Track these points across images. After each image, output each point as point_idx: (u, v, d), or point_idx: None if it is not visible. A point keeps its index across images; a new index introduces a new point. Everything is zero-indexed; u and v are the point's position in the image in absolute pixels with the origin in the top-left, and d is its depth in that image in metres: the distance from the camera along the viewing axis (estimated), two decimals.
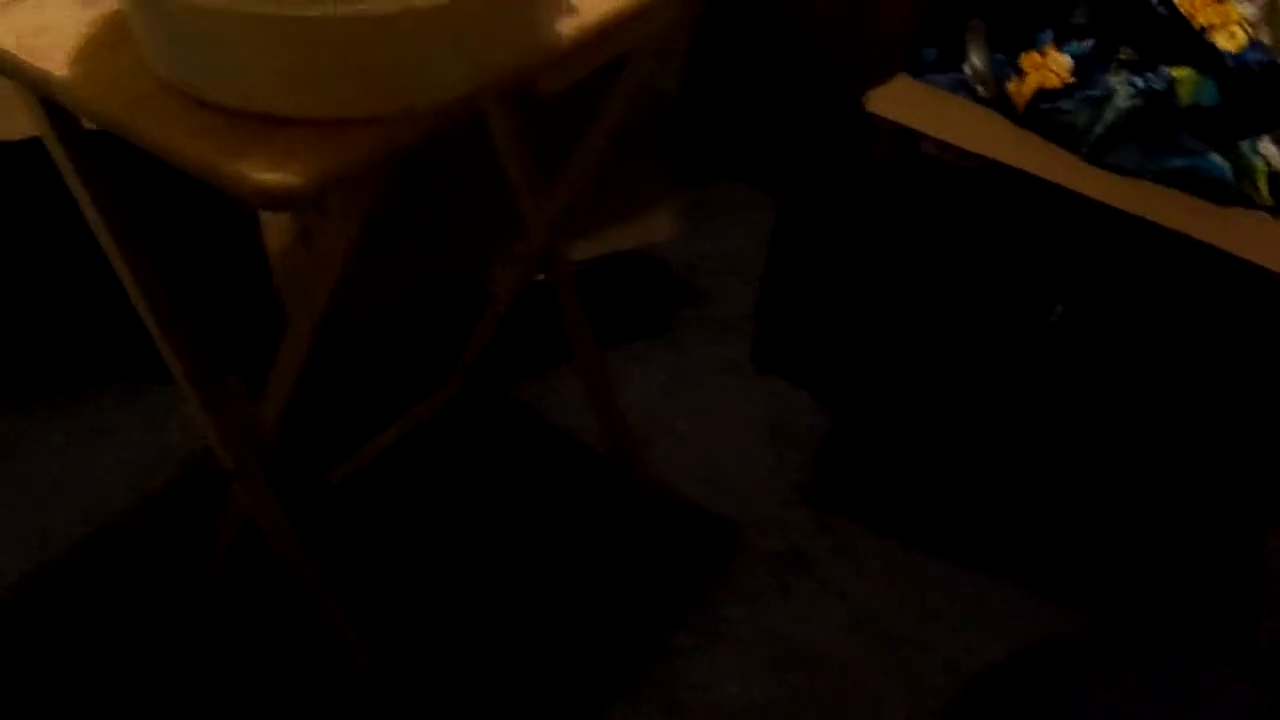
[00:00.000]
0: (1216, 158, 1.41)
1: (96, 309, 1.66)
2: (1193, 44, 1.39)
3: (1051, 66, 1.44)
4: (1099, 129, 1.41)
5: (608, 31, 0.90)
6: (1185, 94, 1.38)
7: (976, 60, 1.53)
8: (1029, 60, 1.47)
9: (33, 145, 1.03)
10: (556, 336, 1.60)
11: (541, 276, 1.53)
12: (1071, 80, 1.43)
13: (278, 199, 0.71)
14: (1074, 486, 1.67)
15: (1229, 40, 1.38)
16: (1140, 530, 1.67)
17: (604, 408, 1.66)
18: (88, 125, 1.01)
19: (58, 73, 0.80)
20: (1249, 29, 1.39)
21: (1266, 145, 1.43)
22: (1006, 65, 1.51)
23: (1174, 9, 1.39)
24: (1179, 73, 1.38)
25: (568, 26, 0.87)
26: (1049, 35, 1.49)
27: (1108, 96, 1.40)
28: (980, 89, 1.54)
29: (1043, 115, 1.45)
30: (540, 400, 1.87)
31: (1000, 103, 1.52)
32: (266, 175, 0.71)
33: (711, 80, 2.30)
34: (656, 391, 1.91)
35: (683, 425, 1.86)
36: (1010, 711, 1.05)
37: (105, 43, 0.82)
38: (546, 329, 1.66)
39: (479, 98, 0.81)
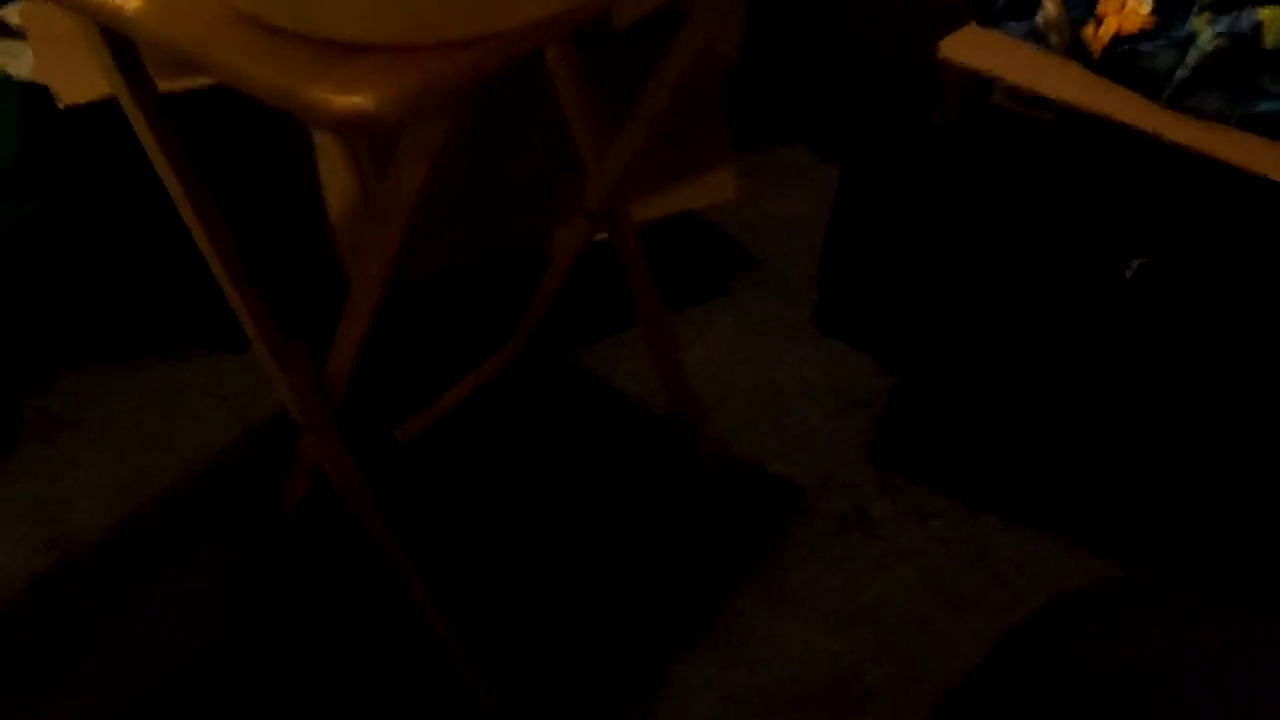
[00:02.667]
0: None
1: (167, 274, 1.68)
2: None
3: (1131, 9, 1.40)
4: (1181, 73, 1.36)
5: None
6: (1272, 35, 1.33)
7: (1050, 6, 1.49)
8: (1106, 4, 1.43)
9: (108, 107, 1.03)
10: (616, 299, 1.59)
11: (603, 236, 1.51)
12: (1152, 23, 1.38)
13: (354, 123, 0.70)
14: (1146, 448, 1.63)
15: None
16: (1216, 492, 1.63)
17: (668, 370, 1.64)
18: (162, 87, 1.01)
19: (130, 5, 0.79)
20: None
21: None
22: (1082, 9, 1.46)
23: None
24: (1266, 13, 1.33)
25: None
26: None
27: (1190, 39, 1.36)
28: (1053, 36, 1.50)
29: (1121, 60, 1.41)
30: (601, 362, 1.86)
31: (1075, 50, 1.48)
32: (342, 99, 0.70)
33: (772, 42, 2.28)
34: (718, 354, 1.90)
35: (745, 388, 1.85)
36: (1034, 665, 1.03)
37: None
38: (606, 291, 1.64)
39: (554, 25, 0.79)
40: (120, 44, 0.94)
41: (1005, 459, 1.71)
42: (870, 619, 1.52)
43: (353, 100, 0.70)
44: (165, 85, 1.03)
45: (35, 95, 1.56)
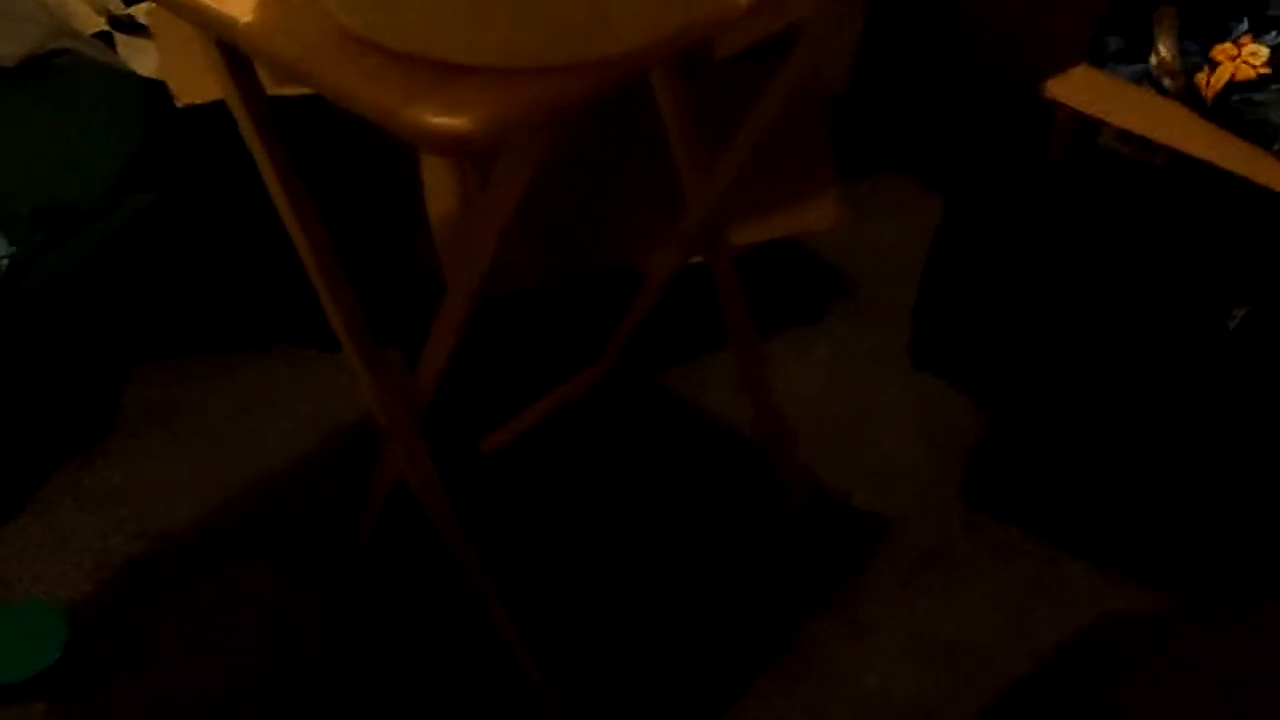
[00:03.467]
0: None
1: (267, 272, 1.72)
2: None
3: (1246, 58, 1.37)
4: None
5: None
6: None
7: (1164, 50, 1.46)
8: (1221, 51, 1.40)
9: (223, 108, 1.07)
10: (707, 321, 1.59)
11: (698, 259, 1.52)
12: (1267, 72, 1.35)
13: (450, 143, 0.72)
14: (1240, 502, 1.58)
15: None
16: None
17: (757, 394, 1.64)
18: (272, 91, 1.05)
19: (242, 19, 0.82)
20: None
21: None
22: (1196, 56, 1.44)
23: None
24: None
25: None
26: (1245, 25, 1.42)
27: None
28: (1166, 81, 1.48)
29: (1233, 109, 1.38)
30: (691, 384, 1.86)
31: (1187, 95, 1.45)
32: (440, 119, 0.72)
33: (881, 72, 2.27)
34: (809, 382, 1.89)
35: (835, 417, 1.84)
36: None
37: None
38: (697, 313, 1.65)
39: (655, 53, 0.80)
40: (233, 53, 0.98)
41: (1095, 504, 1.67)
42: (948, 656, 1.50)
43: (451, 122, 0.72)
44: (276, 89, 1.06)
45: (157, 92, 1.62)
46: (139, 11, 1.76)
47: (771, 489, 1.70)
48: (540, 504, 1.68)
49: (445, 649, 1.48)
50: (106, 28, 1.76)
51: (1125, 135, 1.48)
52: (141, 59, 1.73)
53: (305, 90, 1.46)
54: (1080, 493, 1.69)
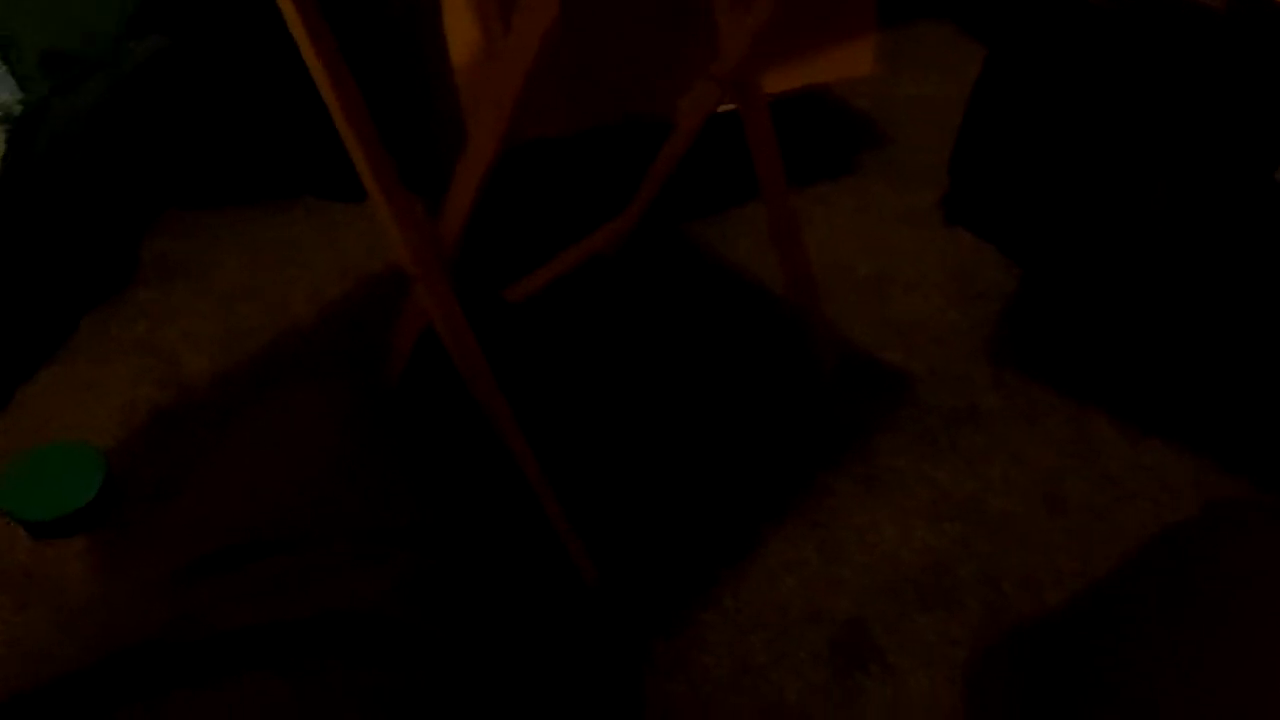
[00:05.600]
0: None
1: (288, 121, 1.70)
2: None
3: None
4: None
5: None
6: None
7: None
8: None
9: None
10: (739, 172, 1.56)
11: (729, 107, 1.48)
12: None
13: None
14: (1274, 362, 1.56)
15: None
16: None
17: (787, 248, 1.61)
18: None
19: None
20: None
21: None
22: None
23: None
24: None
25: None
26: None
27: None
28: None
29: None
30: (720, 236, 1.84)
31: None
32: None
33: None
34: (839, 236, 1.86)
35: (863, 271, 1.82)
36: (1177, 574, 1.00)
37: None
38: (729, 163, 1.61)
39: None
40: None
41: (1123, 362, 1.66)
42: (969, 513, 1.51)
43: None
44: None
45: None
46: None
47: (798, 344, 1.69)
48: (567, 352, 1.67)
49: (474, 492, 1.49)
50: None
51: None
52: None
53: None
54: (1112, 353, 1.67)
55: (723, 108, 1.47)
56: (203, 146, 1.78)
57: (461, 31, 1.55)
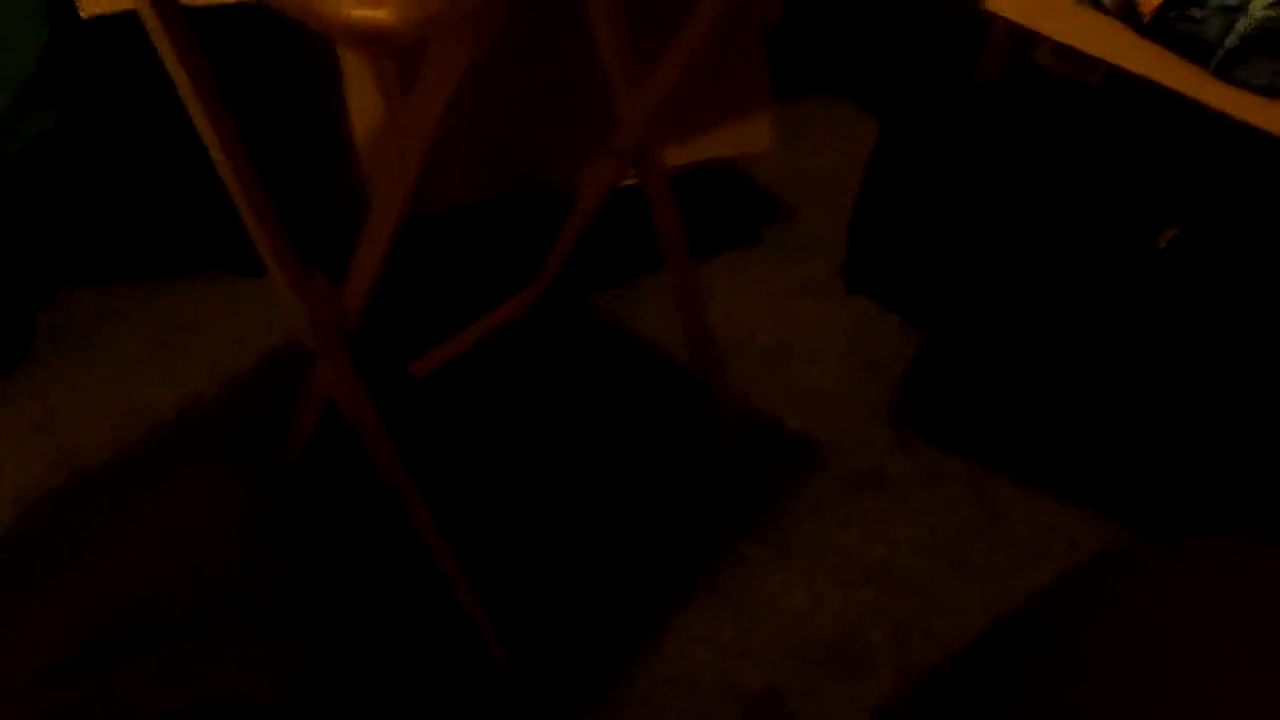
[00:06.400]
0: None
1: (186, 195, 1.67)
2: None
3: None
4: (1230, 40, 1.33)
5: None
6: None
7: None
8: None
9: (130, 19, 1.02)
10: (642, 244, 1.57)
11: (631, 181, 1.49)
12: None
13: (373, 36, 0.69)
14: (1167, 419, 1.60)
15: None
16: (1237, 467, 1.61)
17: (691, 317, 1.62)
18: (185, 1, 1.00)
19: None
20: None
21: None
22: None
23: None
24: None
25: None
26: None
27: (1241, 7, 1.33)
28: None
29: (1169, 24, 1.38)
30: (624, 307, 1.85)
31: (1125, 12, 1.44)
32: (361, 12, 0.68)
33: None
34: (743, 305, 1.88)
35: (767, 340, 1.83)
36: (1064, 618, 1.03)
37: None
38: (632, 235, 1.63)
39: None
40: None
41: (1024, 425, 1.69)
42: (877, 577, 1.52)
43: (373, 14, 0.68)
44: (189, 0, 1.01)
45: (60, 5, 1.55)
46: None
47: (703, 413, 1.69)
48: (472, 426, 1.66)
49: (376, 569, 1.46)
50: None
51: (1061, 52, 1.47)
52: None
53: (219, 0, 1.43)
54: (1012, 416, 1.70)
55: (626, 181, 1.48)
56: (98, 220, 1.74)
57: (363, 100, 1.55)
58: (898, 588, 1.51)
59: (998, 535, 1.57)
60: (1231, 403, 1.51)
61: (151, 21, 0.98)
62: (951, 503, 1.62)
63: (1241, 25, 1.33)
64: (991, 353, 1.71)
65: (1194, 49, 1.37)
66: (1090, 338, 1.57)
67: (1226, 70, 1.35)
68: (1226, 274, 1.46)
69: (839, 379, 1.79)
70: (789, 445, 1.69)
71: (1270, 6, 1.31)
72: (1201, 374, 1.51)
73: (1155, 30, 1.39)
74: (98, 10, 1.48)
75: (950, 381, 1.77)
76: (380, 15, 0.68)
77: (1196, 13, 1.35)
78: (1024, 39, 1.45)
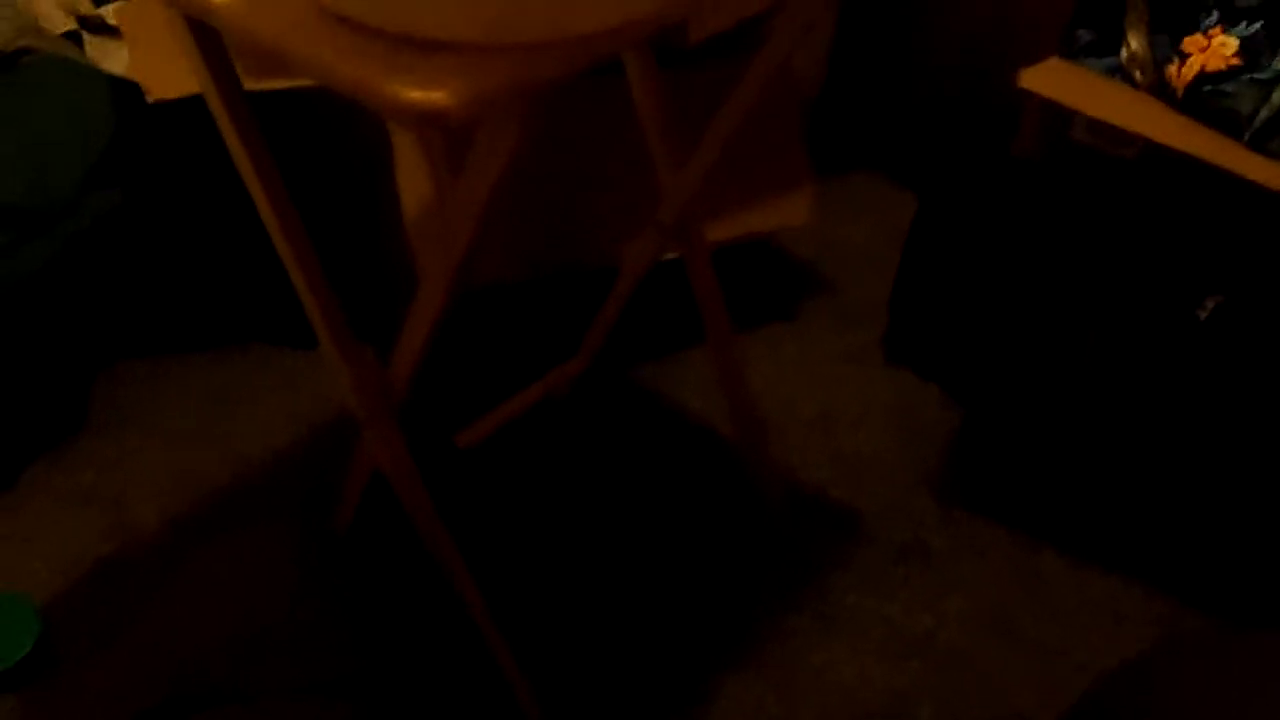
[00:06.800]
0: None
1: (240, 270, 1.71)
2: None
3: (1216, 49, 1.38)
4: (1264, 113, 1.35)
5: None
6: None
7: (1135, 42, 1.48)
8: (1192, 42, 1.42)
9: (195, 104, 1.06)
10: (682, 317, 1.59)
11: (673, 255, 1.52)
12: (1237, 63, 1.37)
13: (430, 118, 0.72)
14: (1213, 490, 1.59)
15: None
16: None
17: (733, 389, 1.64)
18: (247, 86, 1.04)
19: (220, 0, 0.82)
20: None
21: None
22: (1167, 48, 1.45)
23: None
24: None
25: None
26: (1214, 17, 1.43)
27: (1276, 80, 1.34)
28: (1138, 74, 1.49)
29: (1204, 99, 1.40)
30: (667, 379, 1.86)
31: (1158, 88, 1.47)
32: (420, 94, 0.72)
33: (852, 73, 2.28)
34: (784, 377, 1.90)
35: (809, 412, 1.84)
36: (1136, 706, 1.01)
37: None
38: (675, 308, 1.65)
39: (631, 31, 0.80)
40: (208, 39, 0.97)
41: (1068, 496, 1.68)
42: (924, 650, 1.51)
43: (430, 95, 0.71)
44: (251, 84, 1.05)
45: (126, 90, 1.61)
46: (108, 12, 1.75)
47: (747, 485, 1.70)
48: (517, 499, 1.67)
49: (421, 639, 1.47)
50: (75, 28, 1.75)
51: (1096, 128, 1.49)
52: (110, 59, 1.72)
53: (281, 84, 1.48)
54: (1056, 485, 1.69)
55: (668, 255, 1.51)
56: (157, 294, 1.79)
57: (413, 181, 1.59)
58: (944, 660, 1.50)
59: (1043, 607, 1.56)
60: (1273, 472, 1.50)
61: (216, 105, 1.02)
62: (996, 574, 1.61)
63: (1276, 98, 1.34)
64: (1033, 423, 1.71)
65: (1228, 122, 1.38)
66: (1132, 408, 1.57)
67: (1261, 143, 1.36)
68: (1269, 342, 1.46)
69: (881, 449, 1.79)
70: (832, 516, 1.69)
71: None
72: (1243, 442, 1.51)
73: (1189, 105, 1.41)
74: (164, 95, 1.54)
75: (993, 452, 1.77)
76: (437, 97, 0.71)
77: (1229, 87, 1.37)
78: (1060, 115, 1.47)
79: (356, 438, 1.39)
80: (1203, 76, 1.38)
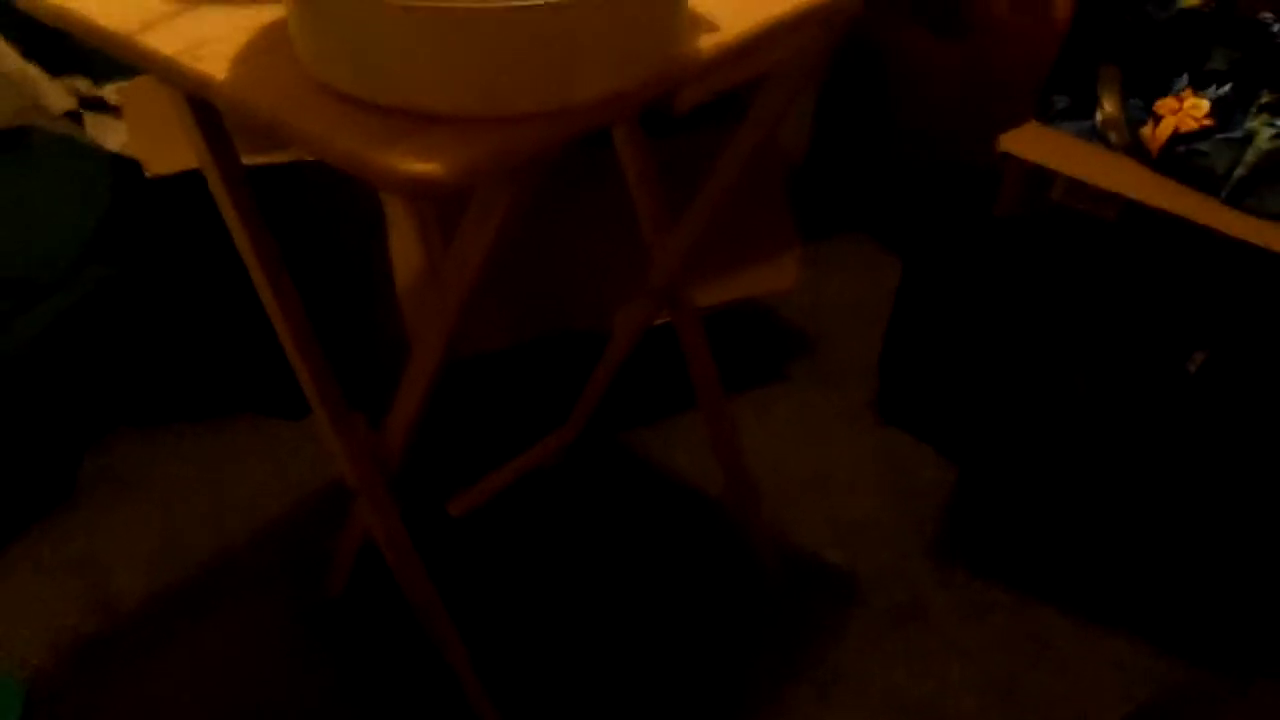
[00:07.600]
0: None
1: (232, 341, 1.73)
2: None
3: (1188, 110, 1.41)
4: (1239, 171, 1.38)
5: (744, 50, 0.91)
6: None
7: (1109, 106, 1.51)
8: (1164, 105, 1.45)
9: (190, 179, 1.08)
10: (675, 381, 1.60)
11: (663, 320, 1.53)
12: (1209, 123, 1.40)
13: (424, 188, 0.73)
14: (1211, 544, 1.60)
15: None
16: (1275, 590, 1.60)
17: (726, 454, 1.65)
18: (244, 160, 1.06)
19: (218, 76, 0.83)
20: None
21: None
22: (1140, 111, 1.49)
23: None
24: None
25: (707, 42, 0.89)
26: (1185, 80, 1.47)
27: (1248, 138, 1.37)
28: (1112, 136, 1.52)
29: (1179, 159, 1.42)
30: (659, 444, 1.87)
31: (1133, 150, 1.50)
32: (414, 165, 0.73)
33: (836, 135, 2.32)
34: (776, 440, 1.90)
35: (802, 475, 1.85)
36: None
37: (262, 48, 0.86)
38: (665, 373, 1.66)
39: (621, 102, 0.82)
40: (207, 115, 0.99)
41: (1066, 553, 1.68)
42: (928, 715, 1.49)
43: (424, 167, 0.73)
44: (248, 159, 1.07)
45: (124, 167, 1.64)
46: (109, 91, 1.79)
47: (741, 549, 1.70)
48: (510, 567, 1.67)
49: (413, 706, 1.46)
50: (76, 107, 1.78)
51: (1075, 189, 1.52)
52: (110, 136, 1.76)
53: (277, 159, 1.50)
54: (1053, 544, 1.70)
55: (658, 320, 1.52)
56: (150, 365, 1.80)
57: (406, 249, 1.61)
58: None
59: (1046, 667, 1.55)
60: (1269, 525, 1.50)
61: (215, 180, 1.04)
62: (997, 635, 1.60)
63: (1250, 156, 1.37)
64: (1027, 481, 1.72)
65: (1204, 180, 1.41)
66: (1126, 462, 1.58)
67: (1238, 199, 1.39)
68: (1258, 393, 1.47)
69: (877, 510, 1.79)
70: (829, 579, 1.68)
71: (1275, 138, 1.35)
72: (1234, 495, 1.51)
73: (1165, 164, 1.44)
74: (161, 171, 1.57)
75: (989, 511, 1.77)
76: (430, 168, 0.73)
77: (1204, 146, 1.40)
78: (1040, 177, 1.50)
79: (349, 506, 1.39)
80: (1176, 137, 1.41)
